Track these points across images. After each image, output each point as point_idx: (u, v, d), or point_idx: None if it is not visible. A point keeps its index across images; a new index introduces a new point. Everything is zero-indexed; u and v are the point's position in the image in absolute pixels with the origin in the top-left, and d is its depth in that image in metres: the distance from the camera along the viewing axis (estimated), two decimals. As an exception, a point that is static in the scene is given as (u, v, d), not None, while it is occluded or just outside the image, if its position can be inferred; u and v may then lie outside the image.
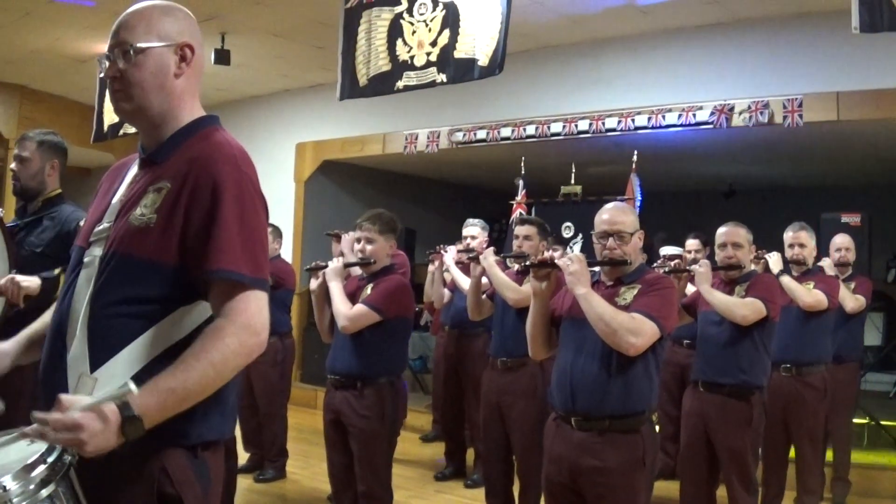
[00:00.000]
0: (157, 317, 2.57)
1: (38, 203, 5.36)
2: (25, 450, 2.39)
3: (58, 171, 5.43)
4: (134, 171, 2.86)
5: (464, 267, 8.07)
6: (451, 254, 8.19)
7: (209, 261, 2.53)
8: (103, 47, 2.78)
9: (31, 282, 4.78)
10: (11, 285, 4.74)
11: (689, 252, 8.76)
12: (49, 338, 2.73)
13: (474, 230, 8.63)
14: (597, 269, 4.81)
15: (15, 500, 2.24)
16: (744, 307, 5.98)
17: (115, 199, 2.79)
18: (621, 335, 4.36)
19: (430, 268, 9.07)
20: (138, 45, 2.68)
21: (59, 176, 5.45)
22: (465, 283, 7.76)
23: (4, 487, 2.23)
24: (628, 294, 4.62)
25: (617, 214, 4.77)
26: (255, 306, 2.56)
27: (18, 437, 2.47)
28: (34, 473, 2.29)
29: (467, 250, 8.17)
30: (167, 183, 2.63)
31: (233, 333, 2.50)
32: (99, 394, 2.45)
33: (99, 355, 2.54)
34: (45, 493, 2.30)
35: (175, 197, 2.60)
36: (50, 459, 2.35)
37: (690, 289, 6.78)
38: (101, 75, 2.79)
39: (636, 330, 4.38)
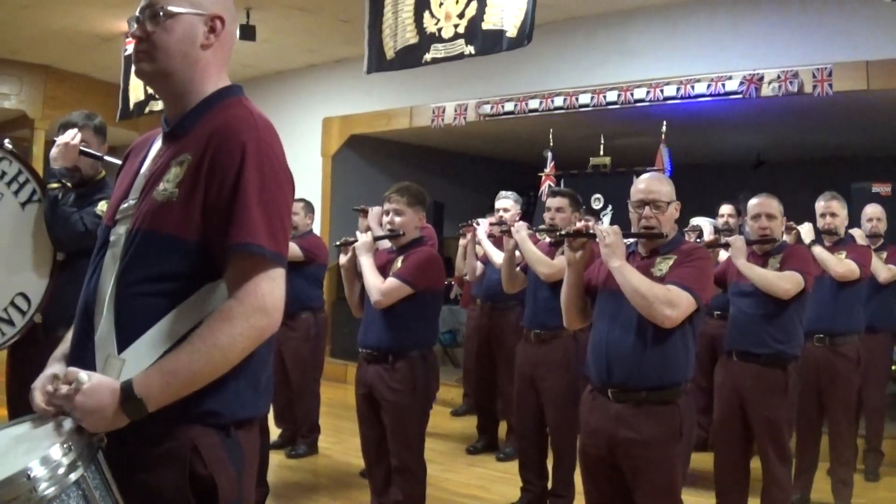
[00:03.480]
0: (182, 294, 2.53)
1: (83, 189, 5.24)
2: (51, 434, 2.37)
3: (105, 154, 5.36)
4: (158, 145, 2.81)
5: (496, 240, 8.05)
6: (483, 227, 8.15)
7: (228, 235, 2.49)
8: (126, 25, 2.75)
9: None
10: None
11: (723, 216, 8.73)
12: (77, 319, 2.70)
13: (507, 203, 8.59)
14: (632, 239, 4.79)
15: (43, 486, 2.20)
16: (785, 281, 5.92)
17: (140, 176, 2.76)
18: (657, 307, 4.34)
19: (461, 241, 9.04)
20: (170, 8, 2.64)
21: None
22: (496, 256, 7.74)
23: (29, 474, 2.20)
24: (664, 265, 4.60)
25: (654, 184, 4.75)
26: (267, 286, 2.51)
27: (39, 420, 2.48)
28: (62, 457, 2.26)
29: (499, 223, 8.14)
30: (188, 155, 2.59)
31: (241, 315, 2.46)
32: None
33: (126, 336, 2.51)
34: (73, 476, 2.27)
35: (195, 169, 2.56)
36: (77, 443, 2.33)
37: (722, 255, 6.76)
38: (128, 41, 2.76)
39: (672, 302, 4.36)
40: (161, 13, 2.65)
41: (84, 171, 5.22)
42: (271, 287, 2.53)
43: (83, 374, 2.35)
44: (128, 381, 2.37)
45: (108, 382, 2.37)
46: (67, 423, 2.36)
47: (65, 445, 2.29)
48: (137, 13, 2.70)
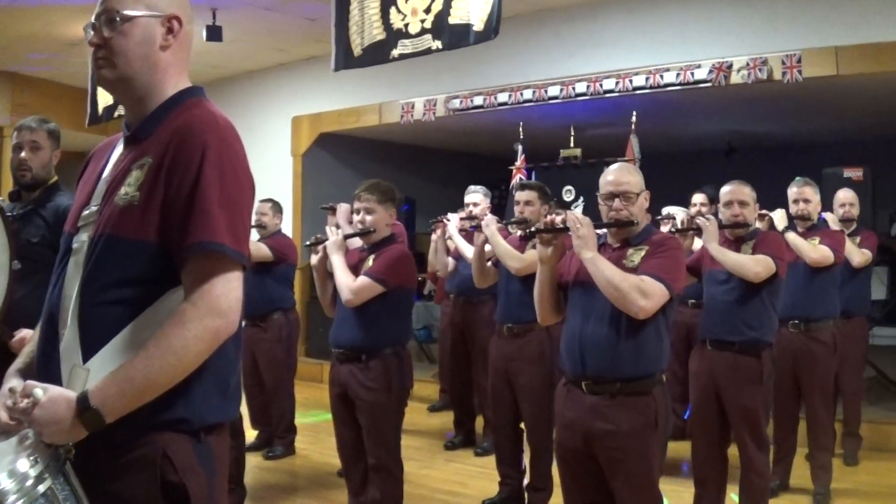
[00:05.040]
0: (146, 301, 2.51)
1: (37, 192, 5.20)
2: (16, 447, 2.35)
3: (58, 161, 5.32)
4: (119, 150, 2.78)
5: (467, 234, 8.03)
6: (453, 222, 8.14)
7: (187, 234, 2.46)
8: (93, 29, 2.71)
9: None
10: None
11: (695, 205, 8.72)
12: (41, 328, 2.68)
13: (477, 197, 8.58)
14: (602, 231, 4.77)
15: (11, 499, 2.19)
16: (756, 264, 5.91)
17: (102, 181, 2.72)
18: (631, 299, 4.33)
19: (434, 237, 9.03)
20: (125, 12, 2.62)
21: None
22: (468, 251, 7.72)
23: None
24: (636, 256, 4.58)
25: (622, 175, 4.73)
26: (222, 287, 2.48)
27: (3, 435, 2.45)
28: (29, 469, 2.25)
29: (470, 217, 8.13)
30: (149, 158, 2.56)
31: (195, 317, 2.42)
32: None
33: (90, 345, 2.48)
34: (41, 488, 2.25)
35: (156, 170, 2.53)
36: (44, 455, 2.31)
37: (697, 245, 6.74)
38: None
39: (646, 292, 4.34)
40: (117, 18, 2.62)
41: (35, 173, 5.17)
42: (226, 288, 2.50)
43: (38, 389, 2.34)
44: (84, 392, 2.34)
45: (64, 395, 2.35)
46: (32, 436, 2.34)
47: (31, 458, 2.28)
48: (93, 19, 2.67)
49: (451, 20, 7.48)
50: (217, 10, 11.11)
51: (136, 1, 2.65)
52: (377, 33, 8.09)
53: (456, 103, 12.09)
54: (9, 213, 4.94)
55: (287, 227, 10.76)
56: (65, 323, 2.54)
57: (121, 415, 2.36)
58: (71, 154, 5.33)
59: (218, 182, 2.50)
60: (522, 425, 7.01)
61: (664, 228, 7.20)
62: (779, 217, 7.23)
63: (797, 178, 7.28)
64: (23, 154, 5.12)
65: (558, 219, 4.85)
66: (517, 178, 11.32)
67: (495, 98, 11.67)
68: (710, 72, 9.83)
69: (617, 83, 10.58)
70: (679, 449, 7.38)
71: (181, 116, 2.63)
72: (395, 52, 7.96)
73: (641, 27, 10.60)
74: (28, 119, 5.29)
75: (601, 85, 10.70)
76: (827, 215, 7.81)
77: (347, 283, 5.82)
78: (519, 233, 6.58)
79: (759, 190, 6.34)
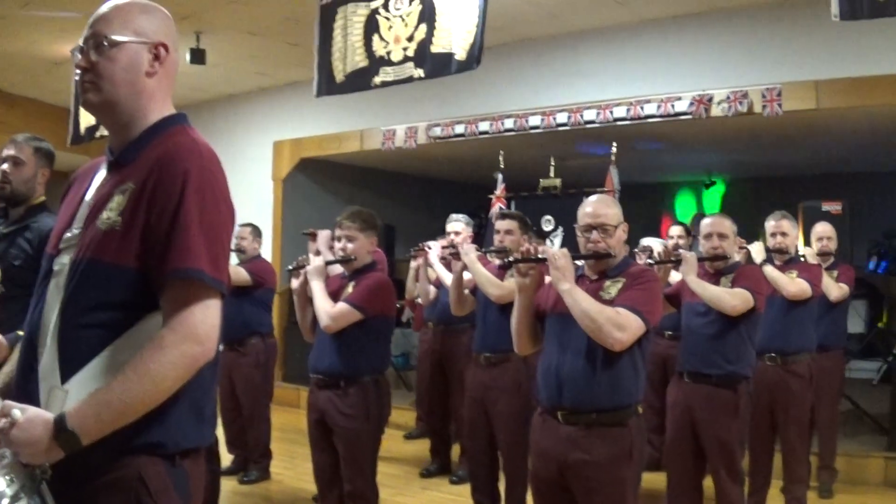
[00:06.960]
0: (125, 325, 2.52)
1: (20, 210, 5.12)
2: None
3: (45, 181, 5.29)
4: (102, 174, 2.79)
5: (448, 263, 8.01)
6: (434, 250, 8.13)
7: (167, 260, 2.48)
8: (77, 49, 2.73)
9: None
10: None
11: (673, 237, 8.73)
12: (22, 349, 2.68)
13: (458, 225, 8.54)
14: (580, 262, 4.78)
15: None
16: (733, 297, 5.94)
17: (84, 204, 2.74)
18: (607, 331, 4.33)
19: (412, 264, 9.01)
20: (113, 37, 2.64)
21: (45, 185, 5.30)
22: (449, 279, 7.71)
23: None
24: (613, 288, 4.60)
25: (600, 207, 4.74)
26: (200, 314, 2.50)
27: None
28: (5, 488, 2.27)
29: (451, 246, 8.12)
30: (131, 184, 2.58)
31: (172, 343, 2.44)
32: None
33: (69, 366, 2.50)
34: None
35: (138, 196, 2.54)
36: (20, 474, 2.32)
37: (674, 277, 6.74)
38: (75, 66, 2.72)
39: (621, 325, 4.35)
40: (105, 42, 2.64)
41: (14, 187, 5.09)
42: (204, 315, 2.51)
43: (17, 409, 2.34)
44: (61, 414, 2.36)
45: (42, 416, 2.36)
46: (9, 455, 2.35)
47: (7, 477, 2.29)
48: (81, 43, 2.69)
49: (434, 49, 7.52)
50: (201, 34, 11.12)
51: (125, 27, 2.67)
52: (360, 60, 8.11)
53: (437, 131, 12.10)
54: None
55: (267, 251, 10.74)
56: (44, 344, 2.54)
57: (97, 437, 2.37)
58: (52, 173, 5.28)
59: (198, 210, 2.52)
60: (498, 454, 7.01)
61: (641, 260, 7.21)
62: (756, 250, 7.26)
63: (774, 212, 7.32)
64: (4, 167, 5.07)
65: (540, 248, 4.86)
66: (497, 206, 11.32)
67: (476, 127, 11.67)
68: (691, 104, 9.86)
69: (598, 114, 10.59)
70: (654, 479, 7.38)
71: (164, 143, 2.64)
72: (378, 80, 7.99)
73: (622, 59, 10.63)
74: (20, 134, 5.25)
75: (582, 115, 10.70)
76: (805, 250, 7.84)
77: (326, 310, 5.83)
78: (497, 261, 6.60)
79: (736, 223, 6.37)
